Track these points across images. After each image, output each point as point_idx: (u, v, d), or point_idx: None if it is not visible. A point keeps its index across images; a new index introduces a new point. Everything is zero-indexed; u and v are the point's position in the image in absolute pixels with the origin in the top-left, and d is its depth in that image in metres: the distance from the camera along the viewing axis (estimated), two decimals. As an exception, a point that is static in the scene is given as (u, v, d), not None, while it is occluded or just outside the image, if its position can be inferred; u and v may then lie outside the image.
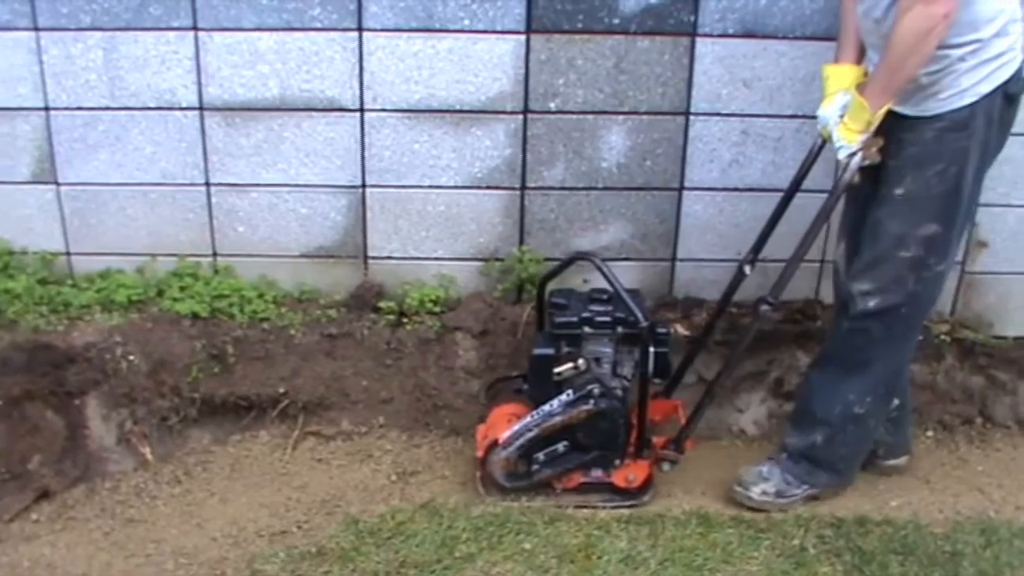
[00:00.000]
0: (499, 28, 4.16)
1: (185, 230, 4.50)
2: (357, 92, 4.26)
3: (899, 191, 3.62)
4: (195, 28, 4.23)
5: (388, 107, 4.29)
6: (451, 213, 4.43)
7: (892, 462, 4.25)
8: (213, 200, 4.46)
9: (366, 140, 4.32)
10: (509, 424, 3.91)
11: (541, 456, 3.89)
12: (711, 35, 4.18)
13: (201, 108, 4.33)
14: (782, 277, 3.77)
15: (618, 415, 3.87)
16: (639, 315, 3.77)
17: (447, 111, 4.28)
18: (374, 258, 4.49)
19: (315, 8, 4.17)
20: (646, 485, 3.99)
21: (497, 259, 4.48)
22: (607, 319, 3.92)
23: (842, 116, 3.59)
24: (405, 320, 4.42)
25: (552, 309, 4.01)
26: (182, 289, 4.43)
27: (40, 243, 4.56)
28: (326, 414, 4.38)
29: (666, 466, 4.00)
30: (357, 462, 4.26)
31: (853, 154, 3.56)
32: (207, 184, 4.44)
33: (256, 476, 4.19)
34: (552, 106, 4.26)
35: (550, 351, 3.91)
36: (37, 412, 4.00)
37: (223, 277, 4.52)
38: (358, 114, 4.29)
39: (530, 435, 3.86)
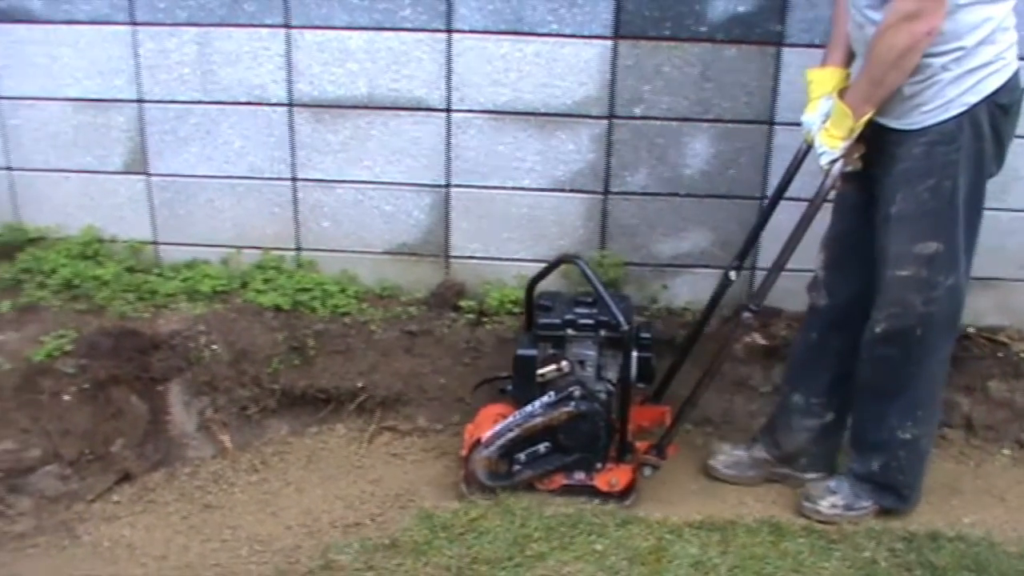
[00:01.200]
0: (586, 33, 4.19)
1: (271, 223, 4.57)
2: (444, 92, 4.30)
3: (892, 209, 3.54)
4: (287, 26, 4.29)
5: (474, 108, 4.32)
6: (533, 215, 4.45)
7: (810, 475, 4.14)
8: (299, 195, 4.52)
9: (452, 140, 4.36)
10: (494, 424, 3.93)
11: (522, 456, 3.90)
12: (797, 44, 4.17)
13: (290, 104, 4.40)
14: (763, 284, 3.78)
15: (599, 418, 3.87)
16: (620, 319, 3.77)
17: (532, 114, 4.30)
18: (456, 257, 4.53)
19: (405, 8, 4.22)
20: (628, 490, 3.96)
21: (577, 262, 4.50)
22: (590, 322, 3.96)
23: (825, 122, 3.54)
24: (484, 320, 4.46)
25: (537, 311, 4.03)
26: (266, 281, 4.50)
27: (129, 232, 4.65)
28: (403, 410, 4.42)
29: (647, 471, 3.98)
30: (432, 458, 4.30)
31: (835, 161, 3.50)
32: (294, 179, 4.50)
33: (332, 468, 4.23)
34: (637, 112, 4.27)
35: (533, 352, 3.93)
36: (122, 396, 4.07)
37: (306, 271, 4.58)
38: (445, 114, 4.34)
39: (511, 435, 3.87)
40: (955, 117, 3.38)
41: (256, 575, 3.59)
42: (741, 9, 4.12)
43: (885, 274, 3.61)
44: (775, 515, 3.88)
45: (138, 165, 4.55)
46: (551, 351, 3.97)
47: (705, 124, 4.27)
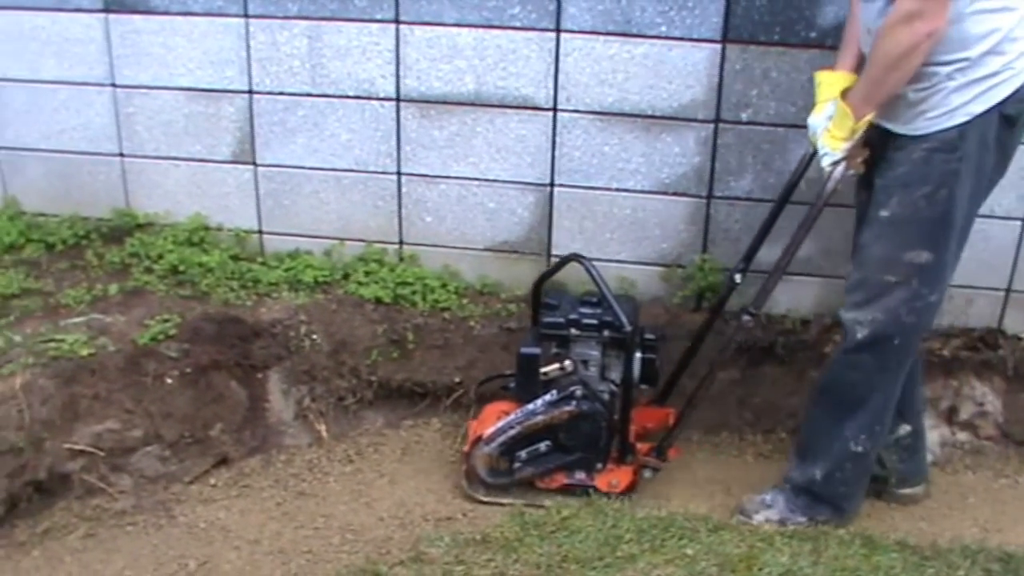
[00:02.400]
0: (695, 36, 4.17)
1: (374, 217, 4.60)
2: (551, 92, 4.30)
3: (885, 213, 3.50)
4: (397, 21, 4.33)
5: (581, 108, 4.33)
6: (636, 217, 4.44)
7: (907, 491, 4.12)
8: (403, 189, 4.55)
9: (557, 139, 4.37)
10: (497, 421, 3.94)
11: (523, 454, 3.92)
12: (909, 53, 4.11)
13: (398, 99, 4.43)
14: (764, 288, 3.79)
15: (600, 418, 3.88)
16: (623, 320, 3.78)
17: (638, 115, 4.30)
18: (558, 256, 4.51)
19: (515, 7, 4.23)
20: (629, 491, 3.96)
21: (679, 266, 4.49)
22: (594, 322, 3.95)
23: (829, 124, 3.52)
24: (584, 320, 4.44)
25: (543, 309, 4.05)
26: (367, 274, 4.53)
27: (235, 221, 4.71)
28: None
29: (648, 473, 3.99)
30: (526, 456, 4.30)
31: (836, 162, 3.51)
32: (399, 173, 4.54)
33: (425, 462, 4.26)
34: (744, 116, 4.25)
35: (537, 350, 3.94)
36: (222, 382, 4.13)
37: (408, 265, 4.61)
38: (551, 113, 4.34)
39: (512, 432, 3.89)
40: (958, 126, 3.33)
41: (347, 564, 3.62)
42: (852, 16, 4.08)
43: (871, 277, 3.57)
44: (868, 527, 3.84)
45: (246, 155, 4.62)
46: (555, 350, 3.99)
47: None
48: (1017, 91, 3.31)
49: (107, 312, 4.22)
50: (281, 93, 4.51)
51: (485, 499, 3.99)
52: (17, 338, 3.99)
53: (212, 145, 4.64)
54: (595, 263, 4.26)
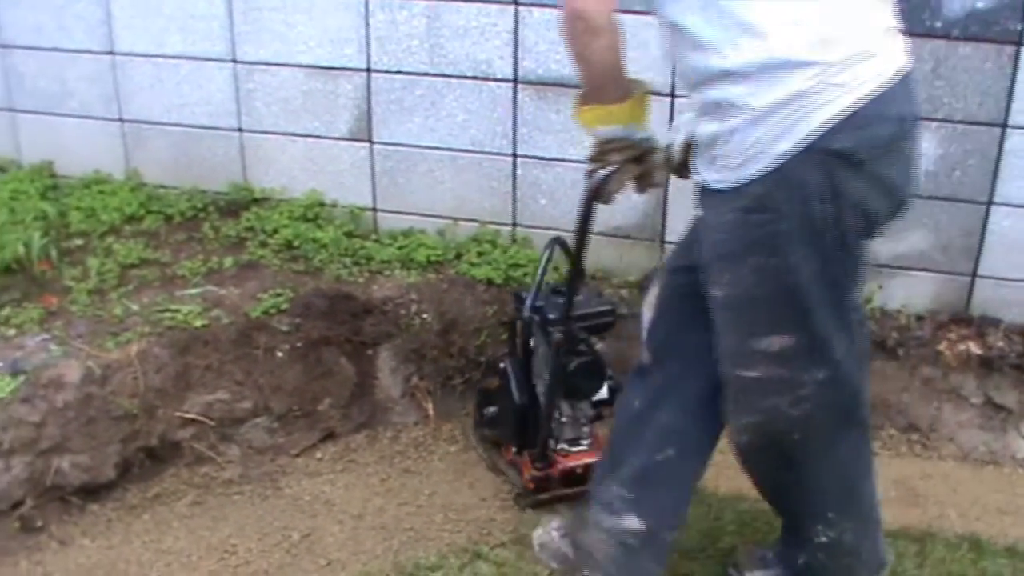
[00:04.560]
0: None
1: (488, 198, 4.61)
2: (669, 78, 4.27)
3: (718, 292, 2.76)
4: (516, 3, 4.34)
5: (698, 94, 4.29)
6: (751, 205, 4.39)
7: None
8: (518, 171, 4.56)
9: (673, 123, 4.33)
10: None
11: (488, 410, 3.96)
12: (1039, 45, 4.03)
13: (515, 80, 4.44)
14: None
15: (508, 398, 3.75)
16: (528, 302, 3.65)
17: (757, 103, 4.25)
18: (671, 242, 4.49)
19: (634, -10, 4.21)
20: (531, 493, 3.79)
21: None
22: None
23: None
24: (694, 307, 4.41)
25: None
26: (480, 255, 4.54)
27: (350, 198, 4.75)
28: (606, 391, 4.39)
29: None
30: (631, 442, 4.28)
31: (592, 171, 3.06)
32: (514, 155, 4.54)
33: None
34: (864, 107, 4.19)
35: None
36: (332, 357, 4.16)
37: (520, 247, 4.61)
38: (669, 99, 4.31)
39: (480, 386, 4.07)
40: (763, 176, 2.52)
41: (448, 543, 3.64)
42: (980, 6, 3.99)
43: (728, 374, 2.86)
44: (977, 531, 3.76)
45: (362, 132, 4.65)
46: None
47: (933, 124, 4.15)
48: (849, 118, 2.46)
49: (221, 284, 4.28)
50: (399, 72, 4.53)
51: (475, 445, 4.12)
52: (134, 307, 4.07)
53: (329, 122, 4.68)
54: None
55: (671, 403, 3.06)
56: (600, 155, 2.98)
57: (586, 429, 3.81)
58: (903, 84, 2.55)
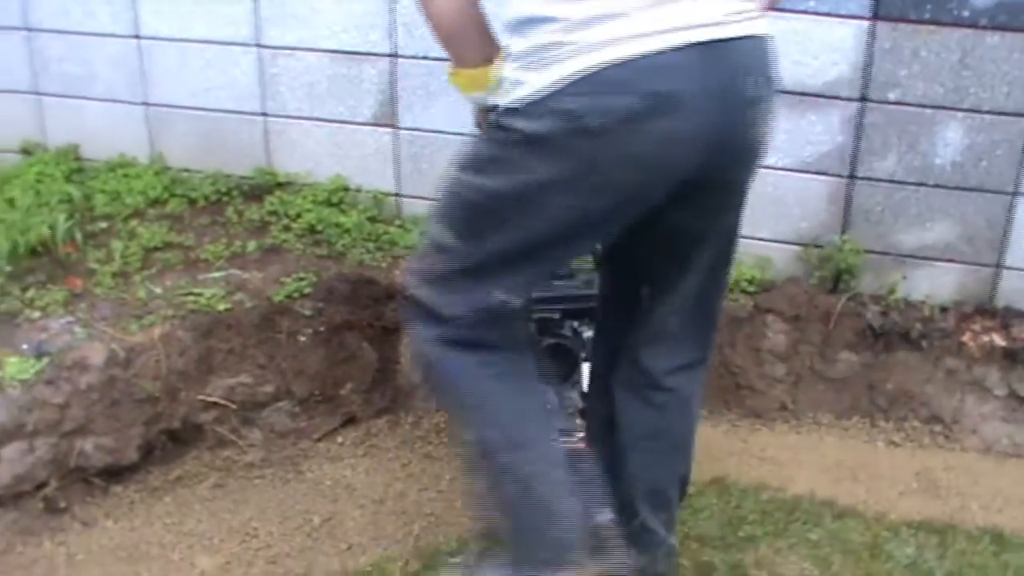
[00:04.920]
0: (844, 12, 4.09)
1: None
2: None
3: None
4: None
5: (724, 82, 4.27)
6: (776, 195, 4.38)
7: None
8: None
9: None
10: None
11: None
12: (1068, 35, 4.00)
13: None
14: None
15: None
16: None
17: (783, 92, 4.21)
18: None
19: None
20: None
21: (817, 246, 4.41)
22: None
23: None
24: (718, 296, 4.40)
25: None
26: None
27: (374, 182, 4.75)
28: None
29: None
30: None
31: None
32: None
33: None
34: (891, 96, 4.16)
35: None
36: (354, 342, 4.17)
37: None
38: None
39: None
40: (511, 110, 2.42)
41: (469, 528, 3.64)
42: (1009, -5, 3.99)
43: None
44: (999, 524, 3.75)
45: (387, 118, 4.65)
46: None
47: (960, 113, 4.13)
48: (577, 77, 2.26)
49: (244, 268, 4.29)
50: (424, 57, 4.52)
51: None
52: (158, 290, 4.08)
53: (354, 107, 4.68)
54: (732, 239, 4.23)
55: None
56: (480, 123, 2.83)
57: (579, 421, 3.74)
58: (690, 58, 2.28)
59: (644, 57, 2.24)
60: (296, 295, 4.12)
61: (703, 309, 2.83)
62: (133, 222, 4.58)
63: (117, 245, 4.36)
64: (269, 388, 4.02)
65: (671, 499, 3.02)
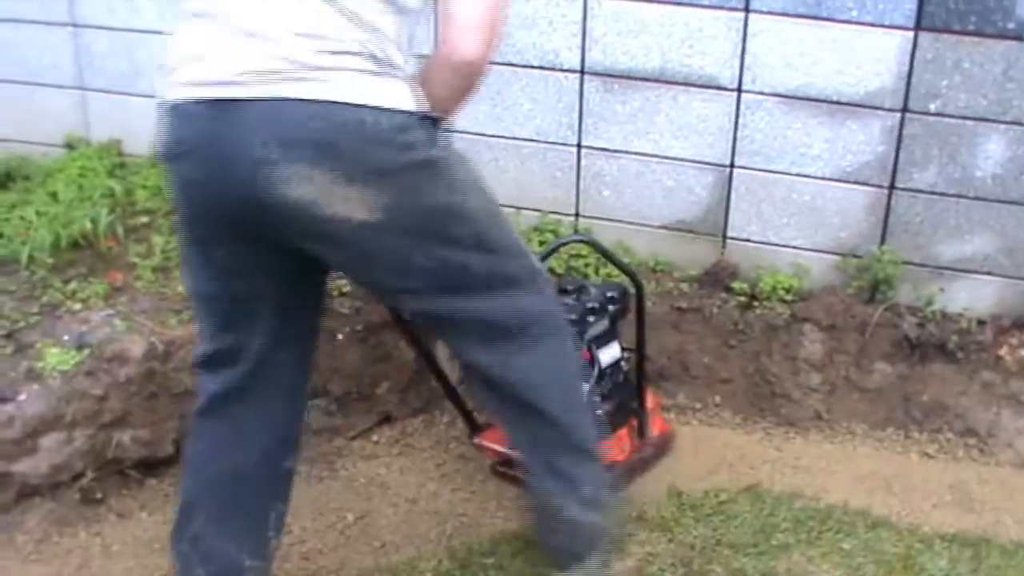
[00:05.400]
0: (887, 22, 4.08)
1: (552, 188, 4.62)
2: (737, 72, 4.27)
3: None
4: (584, -7, 4.34)
5: (765, 90, 4.28)
6: (815, 204, 4.38)
7: None
8: (583, 162, 4.56)
9: (740, 120, 4.33)
10: None
11: None
12: (1111, 48, 3.98)
13: (582, 72, 4.44)
14: None
15: None
16: None
17: (824, 101, 4.23)
18: (733, 238, 4.50)
19: (704, -15, 4.21)
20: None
21: (855, 256, 4.40)
22: None
23: None
24: (755, 304, 4.40)
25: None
26: (541, 244, 4.53)
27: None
28: (664, 385, 4.38)
29: None
30: (686, 436, 4.27)
31: None
32: (579, 146, 4.55)
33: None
34: (932, 107, 4.15)
35: None
36: (391, 341, 4.18)
37: (582, 237, 4.62)
38: (735, 94, 4.30)
39: None
40: None
41: (501, 529, 3.67)
42: (1053, 8, 3.97)
43: None
44: (1034, 539, 3.76)
45: (428, 120, 4.67)
46: None
47: (1002, 126, 4.11)
48: (163, 108, 2.52)
49: (284, 266, 4.31)
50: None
51: None
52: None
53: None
54: (770, 247, 4.24)
55: None
56: None
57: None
58: (203, 112, 2.43)
59: (175, 105, 2.46)
60: (335, 293, 4.14)
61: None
62: (174, 217, 4.61)
63: (158, 240, 4.39)
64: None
65: None
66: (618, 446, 3.79)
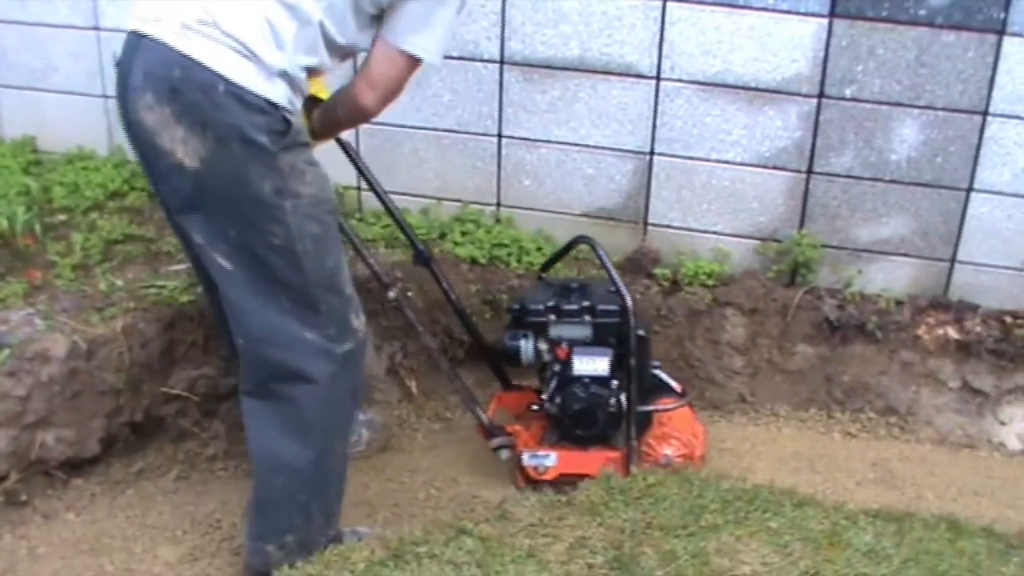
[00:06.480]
0: (802, 10, 4.14)
1: (473, 178, 4.63)
2: (655, 60, 4.31)
3: None
4: (504, -16, 4.35)
5: (684, 78, 4.32)
6: (734, 189, 4.43)
7: None
8: (503, 152, 4.58)
9: (659, 108, 4.37)
10: None
11: None
12: (1020, 35, 4.04)
13: (502, 62, 4.46)
14: None
15: None
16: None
17: (742, 87, 4.28)
18: (654, 225, 4.54)
19: (625, -26, 4.24)
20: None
21: (775, 240, 4.47)
22: None
23: None
24: (678, 289, 4.44)
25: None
26: (463, 234, 4.56)
27: (335, 176, 4.67)
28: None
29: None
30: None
31: None
32: (499, 136, 4.57)
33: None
34: (848, 93, 4.22)
35: None
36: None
37: (503, 227, 4.63)
38: (654, 82, 4.34)
39: None
40: None
41: (432, 519, 3.67)
42: (964, -6, 4.05)
43: None
44: (954, 512, 3.79)
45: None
46: None
47: (916, 110, 4.19)
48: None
49: (205, 261, 4.28)
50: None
51: None
52: (119, 282, 4.06)
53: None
54: (691, 233, 4.28)
55: None
56: None
57: None
58: (130, 40, 2.92)
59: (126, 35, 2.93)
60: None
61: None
62: (93, 215, 4.57)
63: (77, 237, 4.34)
64: (231, 380, 4.00)
65: None
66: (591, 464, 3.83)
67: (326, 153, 4.61)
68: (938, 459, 4.20)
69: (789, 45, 4.20)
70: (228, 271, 3.01)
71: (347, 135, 4.59)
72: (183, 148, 2.83)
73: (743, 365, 4.37)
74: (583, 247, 4.25)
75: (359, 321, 3.26)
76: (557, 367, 3.84)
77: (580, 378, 3.79)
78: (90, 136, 5.04)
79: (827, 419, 4.40)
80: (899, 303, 4.39)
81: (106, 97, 4.96)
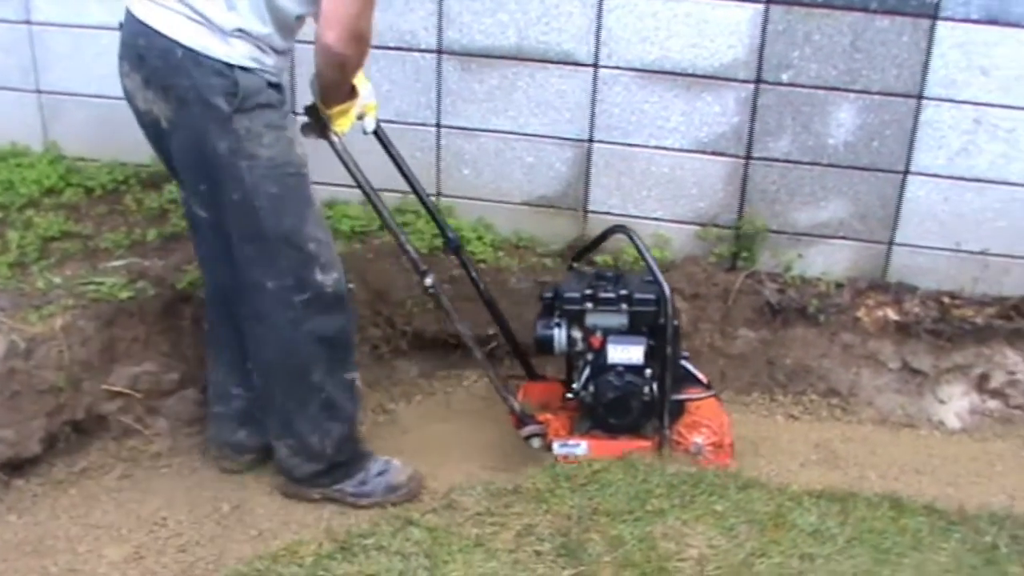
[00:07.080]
0: (739, -5, 4.18)
1: (412, 168, 4.60)
2: (593, 48, 4.32)
3: None
4: (440, -27, 4.34)
5: (622, 65, 4.33)
6: (674, 175, 4.45)
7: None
8: (442, 142, 4.57)
9: (597, 96, 4.38)
10: None
11: None
12: (952, 19, 4.09)
13: (439, 51, 4.45)
14: None
15: None
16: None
17: (680, 74, 4.30)
18: (594, 212, 4.55)
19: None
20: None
21: (715, 225, 4.49)
22: None
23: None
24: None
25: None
26: (404, 225, 4.52)
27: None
28: (532, 360, 4.36)
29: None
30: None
31: None
32: (438, 126, 4.56)
33: (461, 414, 4.31)
34: (784, 78, 4.25)
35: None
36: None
37: (444, 217, 4.61)
38: (592, 69, 4.35)
39: None
40: None
41: (378, 510, 3.66)
42: (897, -21, 4.08)
43: None
44: (896, 491, 3.84)
45: (287, 106, 4.61)
46: None
47: (852, 95, 4.23)
48: None
49: (145, 256, 4.25)
50: (319, 43, 4.52)
51: None
52: (57, 280, 4.02)
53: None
54: (632, 220, 4.30)
55: None
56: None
57: None
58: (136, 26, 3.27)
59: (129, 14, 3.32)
60: (199, 282, 4.08)
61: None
62: (28, 212, 4.50)
63: (12, 235, 4.28)
64: (174, 376, 4.00)
65: None
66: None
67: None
68: (879, 439, 4.25)
69: (726, 31, 4.22)
70: (204, 218, 3.45)
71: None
72: (155, 108, 3.29)
73: (685, 350, 4.37)
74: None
75: (327, 276, 3.51)
76: (590, 356, 3.84)
77: (615, 366, 3.80)
78: (23, 132, 4.97)
79: (770, 402, 4.43)
80: (839, 286, 4.43)
81: (39, 92, 4.90)
